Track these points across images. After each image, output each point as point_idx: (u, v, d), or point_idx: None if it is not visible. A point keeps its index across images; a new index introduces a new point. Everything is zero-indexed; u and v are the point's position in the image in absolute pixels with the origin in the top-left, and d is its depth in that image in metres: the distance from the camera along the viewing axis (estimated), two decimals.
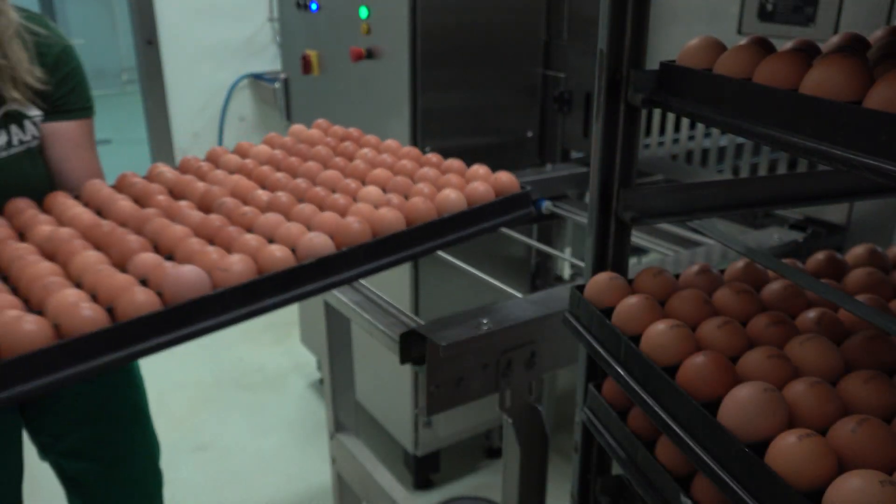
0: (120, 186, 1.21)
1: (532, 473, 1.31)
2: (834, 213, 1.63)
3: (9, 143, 1.20)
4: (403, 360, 1.18)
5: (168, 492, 1.58)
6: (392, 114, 2.05)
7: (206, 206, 1.09)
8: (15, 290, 0.91)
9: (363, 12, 2.05)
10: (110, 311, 0.86)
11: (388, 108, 2.07)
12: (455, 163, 1.21)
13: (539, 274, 2.36)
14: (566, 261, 2.17)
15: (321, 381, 2.90)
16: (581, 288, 0.96)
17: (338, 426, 1.85)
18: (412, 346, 1.17)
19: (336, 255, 0.97)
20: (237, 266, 0.90)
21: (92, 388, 1.37)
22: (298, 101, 2.56)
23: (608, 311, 0.90)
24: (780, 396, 0.71)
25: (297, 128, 1.40)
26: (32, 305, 0.88)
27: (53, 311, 0.83)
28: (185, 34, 3.92)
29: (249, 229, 1.01)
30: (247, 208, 1.04)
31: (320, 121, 1.45)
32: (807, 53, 0.75)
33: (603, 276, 0.94)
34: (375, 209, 1.03)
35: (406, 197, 1.09)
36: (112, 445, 1.44)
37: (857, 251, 1.05)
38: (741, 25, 1.64)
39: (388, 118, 2.08)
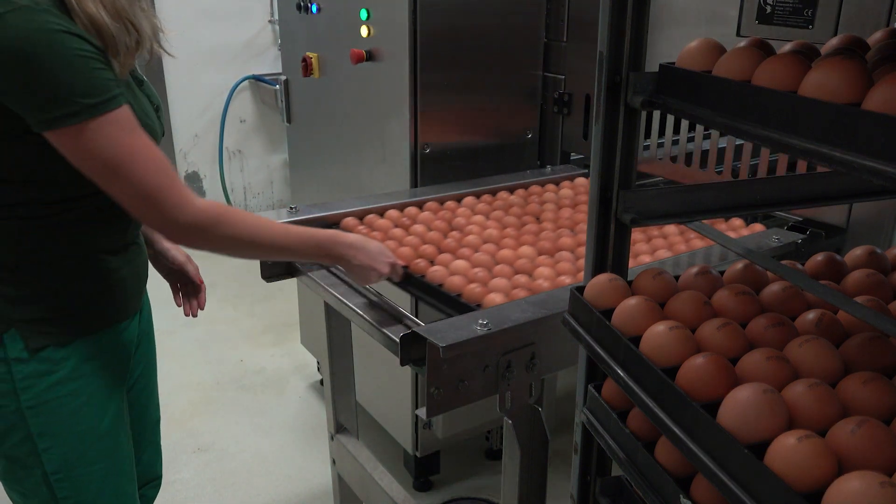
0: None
1: (532, 474, 1.31)
2: (833, 214, 1.63)
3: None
4: (403, 362, 1.19)
5: (168, 493, 1.58)
6: (392, 116, 2.06)
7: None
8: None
9: (363, 14, 2.05)
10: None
11: (388, 109, 2.07)
12: None
13: None
14: None
15: (321, 383, 2.90)
16: (581, 289, 0.96)
17: (338, 427, 1.85)
18: (412, 347, 1.17)
19: None
20: None
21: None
22: (299, 103, 2.56)
23: (608, 313, 0.91)
24: (780, 398, 0.71)
25: None
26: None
27: None
28: (185, 36, 3.92)
29: None
30: None
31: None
32: (806, 55, 0.76)
33: (603, 278, 0.95)
34: None
35: None
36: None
37: (857, 253, 1.05)
38: (740, 28, 1.65)
39: (389, 120, 2.08)
